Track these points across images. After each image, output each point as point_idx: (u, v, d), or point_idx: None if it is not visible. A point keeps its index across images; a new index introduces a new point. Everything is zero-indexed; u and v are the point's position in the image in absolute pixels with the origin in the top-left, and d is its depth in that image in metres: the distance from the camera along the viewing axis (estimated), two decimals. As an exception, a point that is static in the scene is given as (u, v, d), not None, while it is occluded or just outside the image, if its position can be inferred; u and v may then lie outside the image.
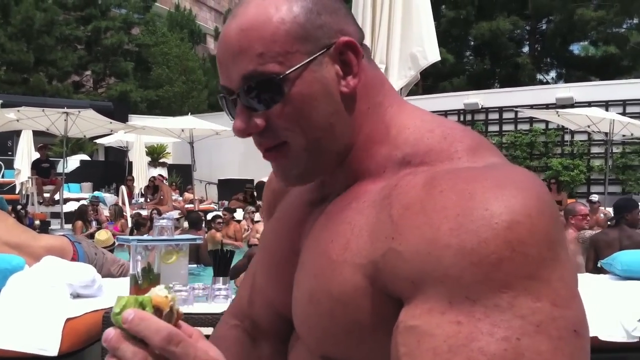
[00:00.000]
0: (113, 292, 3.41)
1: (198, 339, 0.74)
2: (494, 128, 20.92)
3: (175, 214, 12.26)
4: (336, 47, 0.91)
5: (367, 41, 4.38)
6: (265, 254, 1.16)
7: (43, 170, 16.20)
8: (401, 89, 4.05)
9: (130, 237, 3.24)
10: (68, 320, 2.99)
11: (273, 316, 1.13)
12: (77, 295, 3.41)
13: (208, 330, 3.05)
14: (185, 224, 13.62)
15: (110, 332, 0.71)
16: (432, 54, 4.00)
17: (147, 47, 35.12)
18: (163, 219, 3.22)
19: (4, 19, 31.29)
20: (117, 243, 7.67)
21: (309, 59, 0.90)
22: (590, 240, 6.41)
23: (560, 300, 0.72)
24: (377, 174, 0.93)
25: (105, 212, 14.81)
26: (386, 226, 0.82)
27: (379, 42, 3.99)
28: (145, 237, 3.28)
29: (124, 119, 22.20)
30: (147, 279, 3.05)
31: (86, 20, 35.32)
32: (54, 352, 2.88)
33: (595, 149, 19.27)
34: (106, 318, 2.79)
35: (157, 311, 0.73)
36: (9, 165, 19.74)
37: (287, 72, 0.89)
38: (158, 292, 0.74)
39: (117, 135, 20.27)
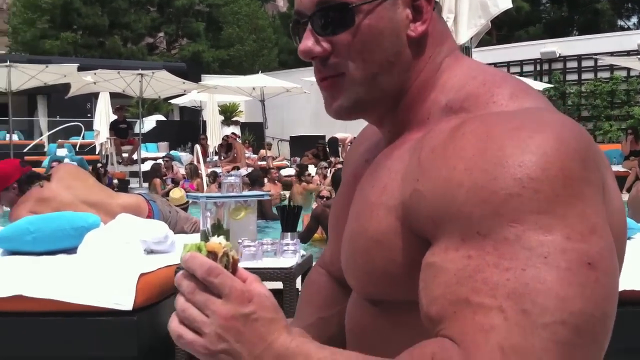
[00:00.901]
0: (185, 248, 3.48)
1: (252, 282, 0.83)
2: (572, 77, 20.23)
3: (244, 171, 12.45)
4: None
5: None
6: (331, 216, 1.22)
7: (121, 130, 16.56)
8: (471, 38, 3.92)
9: (200, 194, 3.30)
10: (142, 275, 3.07)
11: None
12: (150, 251, 3.50)
13: (277, 284, 3.08)
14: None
15: (178, 273, 0.83)
16: (503, 0, 3.85)
17: (217, 7, 35.38)
18: (231, 176, 3.24)
19: (79, -16, 31.96)
20: (190, 201, 7.83)
21: None
22: None
23: (575, 234, 0.73)
24: (422, 121, 0.96)
25: (182, 170, 15.10)
26: (414, 169, 0.86)
27: (447, -10, 3.87)
28: (214, 194, 3.31)
29: (197, 79, 22.48)
30: (217, 234, 3.10)
31: (158, -17, 35.75)
32: (129, 306, 2.97)
33: (680, 96, 18.44)
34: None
35: (212, 255, 0.83)
36: (89, 127, 20.30)
37: (360, 3, 0.93)
38: (215, 240, 0.85)
39: (191, 95, 20.56)
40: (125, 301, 2.97)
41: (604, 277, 0.73)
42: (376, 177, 0.95)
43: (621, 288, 2.72)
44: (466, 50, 3.98)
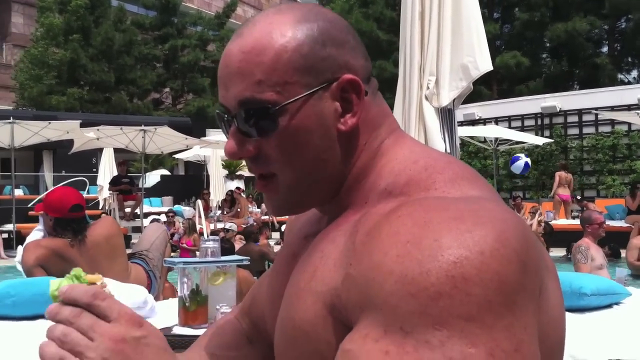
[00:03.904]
0: (166, 313, 3.45)
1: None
2: (573, 131, 20.33)
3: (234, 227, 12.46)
4: (338, 84, 0.89)
5: (415, 54, 4.21)
6: (269, 285, 1.16)
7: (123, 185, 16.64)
8: (454, 100, 3.96)
9: (176, 260, 3.27)
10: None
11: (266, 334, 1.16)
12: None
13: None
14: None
15: (50, 306, 0.81)
16: (484, 63, 3.88)
17: (222, 63, 35.87)
18: (209, 240, 3.23)
19: (85, 40, 32.54)
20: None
21: (308, 92, 0.87)
22: None
23: (499, 351, 0.67)
24: (360, 204, 0.91)
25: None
26: (349, 253, 0.81)
27: (428, 53, 3.91)
28: (191, 259, 3.30)
29: (202, 134, 22.68)
30: (195, 300, 3.06)
31: (163, 40, 36.45)
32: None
33: (682, 150, 18.46)
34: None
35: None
36: (94, 181, 20.42)
37: (284, 103, 0.87)
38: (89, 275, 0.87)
39: (194, 150, 20.73)
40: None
41: None
42: (308, 261, 0.89)
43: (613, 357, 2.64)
44: (449, 112, 4.01)
